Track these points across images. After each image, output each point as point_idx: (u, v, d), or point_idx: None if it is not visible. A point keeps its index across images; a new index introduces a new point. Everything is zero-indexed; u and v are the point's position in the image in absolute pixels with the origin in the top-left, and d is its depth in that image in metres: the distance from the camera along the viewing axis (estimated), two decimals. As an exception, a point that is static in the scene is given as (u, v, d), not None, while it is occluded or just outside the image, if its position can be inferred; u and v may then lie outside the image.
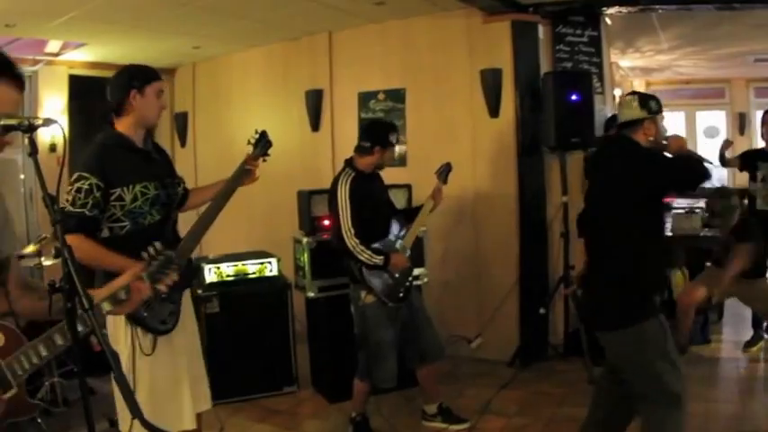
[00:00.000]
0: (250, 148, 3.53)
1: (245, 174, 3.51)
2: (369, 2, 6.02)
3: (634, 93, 3.73)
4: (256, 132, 3.57)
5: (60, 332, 2.02)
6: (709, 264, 6.11)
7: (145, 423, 3.22)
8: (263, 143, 3.55)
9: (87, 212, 3.00)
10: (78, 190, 3.00)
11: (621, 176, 3.48)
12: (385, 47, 6.76)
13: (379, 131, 4.57)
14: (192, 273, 3.52)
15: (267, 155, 3.58)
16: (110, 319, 3.06)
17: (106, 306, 2.18)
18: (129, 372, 3.08)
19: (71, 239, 2.96)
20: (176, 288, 2.97)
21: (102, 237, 3.10)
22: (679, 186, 3.62)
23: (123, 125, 3.21)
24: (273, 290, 5.51)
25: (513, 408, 5.09)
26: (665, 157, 3.51)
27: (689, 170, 3.46)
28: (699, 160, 3.49)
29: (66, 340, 2.02)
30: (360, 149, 4.54)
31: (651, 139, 3.51)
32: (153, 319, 3.16)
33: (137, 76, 3.21)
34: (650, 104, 3.52)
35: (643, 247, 3.44)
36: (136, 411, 1.96)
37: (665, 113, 3.63)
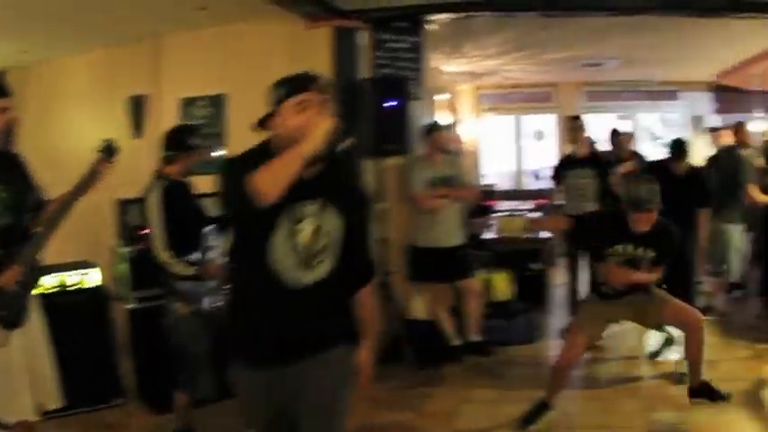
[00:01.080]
0: (99, 155, 3.61)
1: (94, 177, 3.60)
2: (191, 7, 5.95)
3: None
4: (104, 141, 3.65)
5: None
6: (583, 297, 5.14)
7: None
8: (109, 150, 3.64)
9: None
10: None
11: None
12: (207, 53, 6.72)
13: (178, 137, 4.56)
14: (35, 275, 3.64)
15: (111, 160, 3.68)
16: None
17: None
18: None
19: None
20: (20, 286, 3.37)
21: None
22: None
23: None
24: (94, 301, 5.35)
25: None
26: None
27: None
28: None
29: None
30: (165, 159, 4.50)
31: None
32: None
33: None
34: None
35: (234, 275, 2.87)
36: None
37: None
